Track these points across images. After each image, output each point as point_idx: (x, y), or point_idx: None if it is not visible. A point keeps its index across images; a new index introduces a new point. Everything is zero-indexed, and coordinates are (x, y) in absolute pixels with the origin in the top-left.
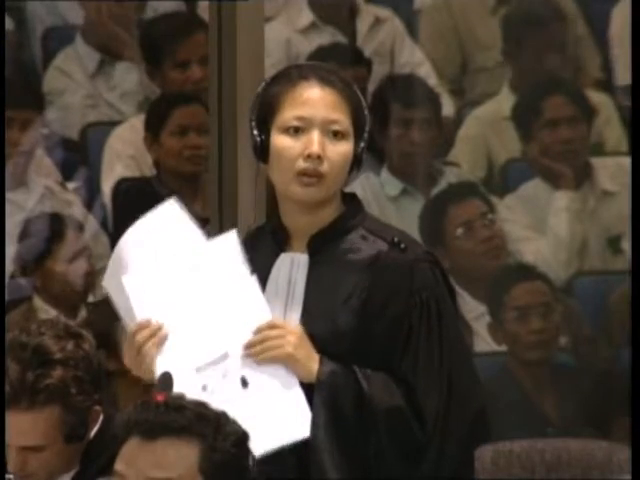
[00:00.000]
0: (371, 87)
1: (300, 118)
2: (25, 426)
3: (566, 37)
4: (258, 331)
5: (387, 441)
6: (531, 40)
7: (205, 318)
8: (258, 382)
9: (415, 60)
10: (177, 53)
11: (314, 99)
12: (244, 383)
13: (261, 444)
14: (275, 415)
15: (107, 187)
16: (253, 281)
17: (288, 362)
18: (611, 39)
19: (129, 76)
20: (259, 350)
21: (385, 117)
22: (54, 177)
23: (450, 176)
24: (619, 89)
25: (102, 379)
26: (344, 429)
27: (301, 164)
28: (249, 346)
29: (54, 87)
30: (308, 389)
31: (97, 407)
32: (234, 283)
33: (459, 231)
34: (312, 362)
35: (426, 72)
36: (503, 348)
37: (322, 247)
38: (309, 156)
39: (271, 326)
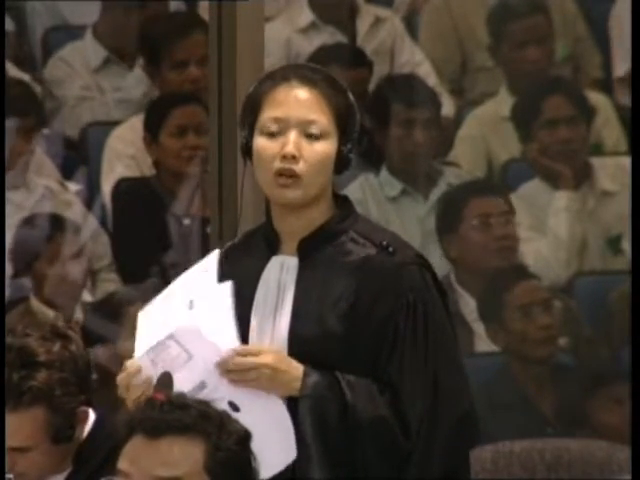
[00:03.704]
0: (371, 87)
1: (277, 119)
2: (11, 427)
3: (549, 30)
4: (230, 358)
5: (372, 450)
6: (511, 32)
7: (179, 348)
8: (247, 406)
9: (415, 60)
10: (176, 53)
11: (291, 100)
12: (235, 408)
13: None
14: (268, 442)
15: (107, 187)
16: (229, 306)
17: (267, 390)
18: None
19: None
20: (237, 378)
21: (385, 117)
22: (54, 177)
23: (450, 176)
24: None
25: (90, 380)
26: (330, 440)
27: (277, 164)
28: (226, 371)
29: (55, 76)
30: (291, 399)
31: (84, 408)
32: (207, 309)
33: (475, 221)
34: (294, 382)
35: (426, 72)
36: (503, 348)
37: (312, 250)
38: (284, 156)
39: (242, 353)
